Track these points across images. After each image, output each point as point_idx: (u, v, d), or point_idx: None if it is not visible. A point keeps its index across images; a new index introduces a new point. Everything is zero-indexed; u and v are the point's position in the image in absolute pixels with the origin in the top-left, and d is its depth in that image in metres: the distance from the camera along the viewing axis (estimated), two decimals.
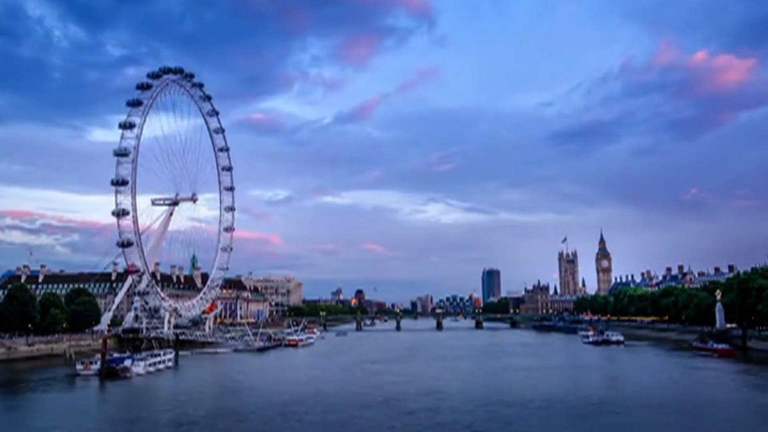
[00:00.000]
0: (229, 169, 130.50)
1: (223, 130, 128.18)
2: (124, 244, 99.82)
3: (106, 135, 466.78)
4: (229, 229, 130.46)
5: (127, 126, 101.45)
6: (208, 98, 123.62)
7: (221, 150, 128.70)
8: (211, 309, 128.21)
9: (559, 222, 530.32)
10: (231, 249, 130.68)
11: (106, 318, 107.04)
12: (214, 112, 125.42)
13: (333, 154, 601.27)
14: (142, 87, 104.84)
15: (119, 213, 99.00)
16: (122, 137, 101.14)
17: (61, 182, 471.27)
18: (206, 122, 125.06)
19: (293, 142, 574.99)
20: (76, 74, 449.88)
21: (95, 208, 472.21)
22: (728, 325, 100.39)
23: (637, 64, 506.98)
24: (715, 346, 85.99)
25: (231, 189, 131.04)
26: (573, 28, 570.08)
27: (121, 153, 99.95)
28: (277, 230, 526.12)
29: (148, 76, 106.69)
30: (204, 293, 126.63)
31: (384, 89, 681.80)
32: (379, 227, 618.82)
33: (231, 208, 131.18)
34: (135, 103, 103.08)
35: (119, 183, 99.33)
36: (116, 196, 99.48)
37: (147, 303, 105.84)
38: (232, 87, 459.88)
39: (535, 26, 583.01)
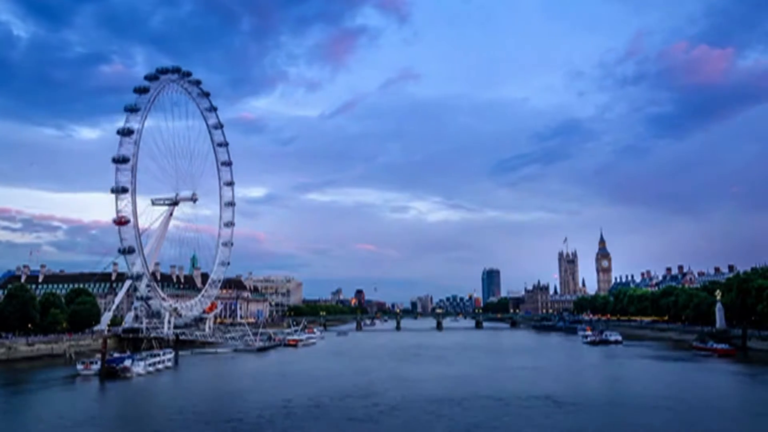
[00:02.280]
0: (229, 164, 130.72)
1: (221, 126, 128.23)
2: (126, 251, 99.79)
3: (87, 133, 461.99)
4: (230, 224, 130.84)
5: (125, 132, 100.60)
6: (206, 95, 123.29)
7: (220, 145, 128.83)
8: (211, 309, 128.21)
9: (552, 220, 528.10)
10: (232, 244, 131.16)
11: (106, 318, 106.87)
12: (213, 109, 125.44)
13: (316, 152, 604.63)
14: (140, 90, 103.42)
15: (120, 221, 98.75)
16: (120, 144, 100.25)
17: (39, 180, 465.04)
18: (205, 118, 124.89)
19: (277, 140, 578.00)
20: (44, 72, 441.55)
21: (77, 206, 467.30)
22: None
23: (615, 56, 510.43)
24: (714, 346, 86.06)
25: (231, 184, 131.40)
26: (551, 18, 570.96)
27: (120, 160, 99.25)
28: (262, 228, 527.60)
29: (146, 78, 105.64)
30: (204, 293, 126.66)
31: (363, 87, 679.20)
32: (367, 225, 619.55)
33: (231, 203, 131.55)
34: (132, 109, 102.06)
35: (119, 191, 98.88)
36: (116, 203, 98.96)
37: (147, 303, 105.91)
38: (213, 88, 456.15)
39: (509, 16, 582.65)
